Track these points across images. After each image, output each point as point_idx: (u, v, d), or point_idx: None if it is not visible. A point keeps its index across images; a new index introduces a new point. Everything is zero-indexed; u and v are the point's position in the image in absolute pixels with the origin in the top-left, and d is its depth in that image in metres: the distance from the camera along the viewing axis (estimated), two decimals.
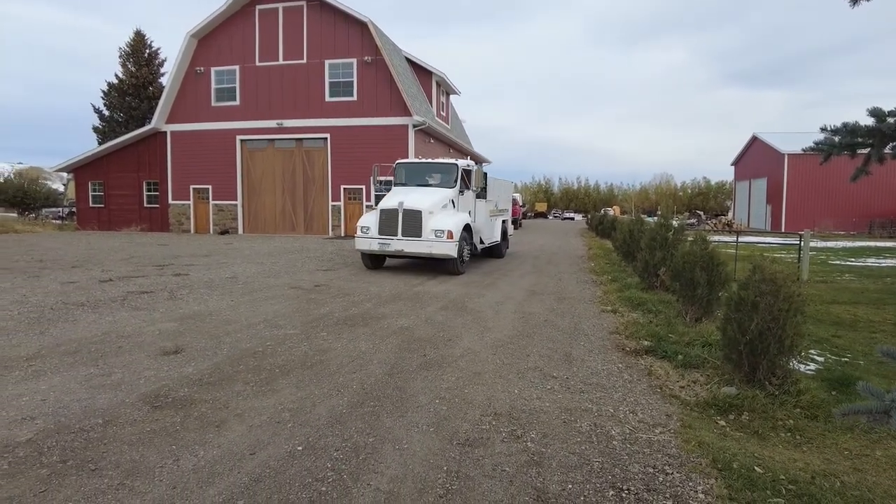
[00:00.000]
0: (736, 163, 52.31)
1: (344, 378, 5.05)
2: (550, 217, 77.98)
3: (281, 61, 24.50)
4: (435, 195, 12.32)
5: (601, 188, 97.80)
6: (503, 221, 16.25)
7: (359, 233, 12.34)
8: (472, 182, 13.13)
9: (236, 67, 25.09)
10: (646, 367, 5.59)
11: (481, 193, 13.99)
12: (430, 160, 13.76)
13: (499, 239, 15.71)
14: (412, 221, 11.72)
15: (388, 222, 11.94)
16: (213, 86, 25.45)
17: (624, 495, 3.14)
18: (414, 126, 23.05)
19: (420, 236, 11.63)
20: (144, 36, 39.82)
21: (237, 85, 25.11)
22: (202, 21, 25.26)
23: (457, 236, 11.64)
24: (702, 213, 62.51)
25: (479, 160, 39.55)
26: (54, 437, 3.72)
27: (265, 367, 5.31)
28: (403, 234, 11.72)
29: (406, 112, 22.89)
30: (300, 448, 3.63)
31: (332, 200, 24.52)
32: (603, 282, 11.49)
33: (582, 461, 3.55)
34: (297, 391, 4.68)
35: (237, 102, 25.14)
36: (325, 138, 24.10)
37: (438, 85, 28.44)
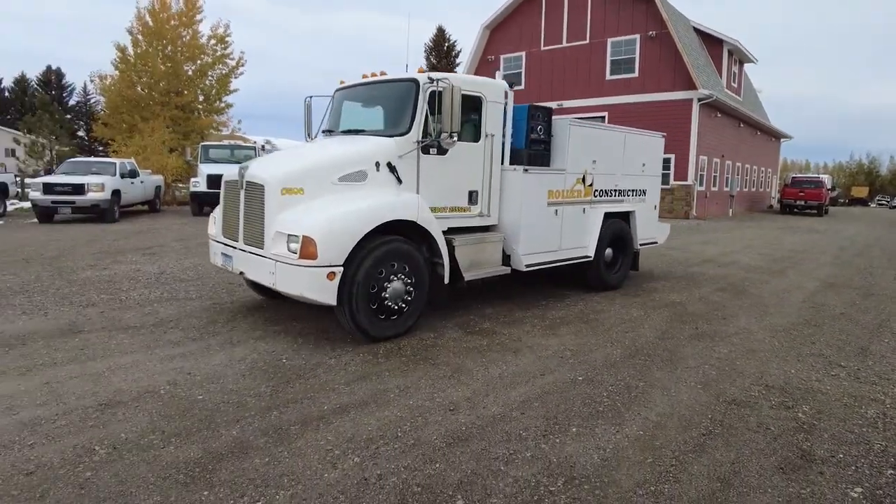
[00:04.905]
0: None
1: (616, 335, 5.68)
2: (873, 204, 63.75)
3: (564, 44, 25.44)
4: (334, 150, 5.69)
5: None
6: (608, 217, 7.60)
7: (209, 228, 6.28)
8: (440, 114, 5.45)
9: (523, 54, 26.93)
10: None
11: (535, 153, 6.74)
12: (373, 79, 6.23)
13: (591, 252, 7.32)
14: (252, 211, 5.28)
15: (228, 211, 5.74)
16: (502, 73, 27.79)
17: None
18: (699, 100, 21.67)
19: (262, 246, 5.12)
20: (444, 31, 45.15)
21: (523, 70, 26.97)
22: (494, 12, 27.69)
23: (334, 253, 4.75)
24: None
25: (777, 135, 34.75)
26: (405, 340, 5.24)
27: (548, 317, 6.28)
28: (246, 239, 5.38)
29: (690, 85, 21.64)
30: (580, 378, 4.43)
31: None
32: None
33: (860, 440, 3.55)
34: (575, 338, 5.51)
35: (522, 87, 27.01)
36: (604, 116, 24.36)
37: (731, 54, 25.93)
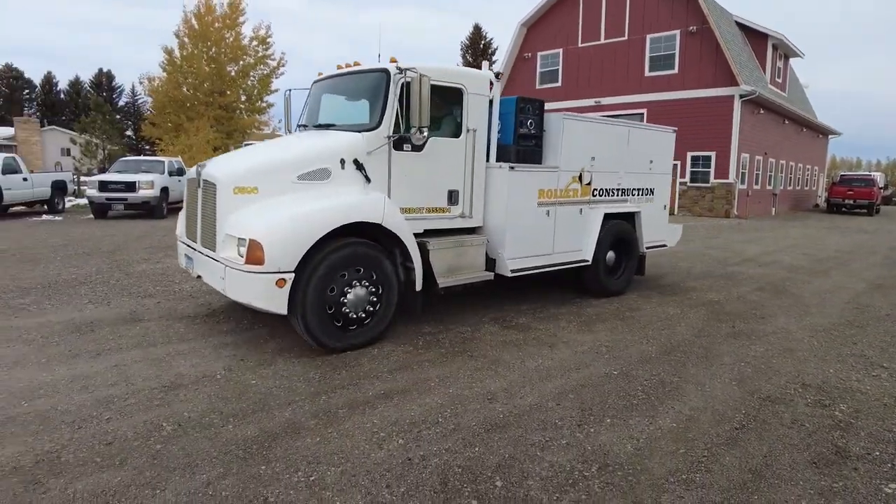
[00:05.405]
0: None
1: (652, 332, 5.75)
2: None
3: (602, 41, 25.20)
4: (296, 146, 5.44)
5: None
6: (608, 218, 7.10)
7: (177, 228, 6.02)
8: (409, 111, 5.10)
9: (560, 51, 26.79)
10: None
11: (525, 150, 6.26)
12: (345, 70, 5.91)
13: (588, 255, 6.86)
14: (207, 212, 5.01)
15: (189, 211, 5.54)
16: (538, 70, 27.72)
17: None
18: (741, 96, 21.19)
19: (214, 248, 4.86)
20: (481, 29, 45.23)
21: (560, 67, 26.83)
22: (532, 9, 27.61)
23: (283, 259, 4.41)
24: None
25: (825, 132, 33.62)
26: (443, 333, 5.43)
27: (584, 313, 6.38)
28: (202, 241, 5.13)
29: (732, 81, 21.18)
30: (615, 372, 4.54)
31: None
32: None
33: None
34: (611, 334, 5.60)
35: (559, 84, 26.90)
36: (642, 114, 24.05)
37: (775, 48, 25.21)
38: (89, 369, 4.28)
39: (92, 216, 16.24)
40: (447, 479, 2.94)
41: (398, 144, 5.21)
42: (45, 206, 17.30)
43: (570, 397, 4.01)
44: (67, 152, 40.02)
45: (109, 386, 3.98)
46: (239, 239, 4.48)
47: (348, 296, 4.79)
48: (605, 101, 25.05)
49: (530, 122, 6.26)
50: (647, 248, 7.83)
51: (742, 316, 6.54)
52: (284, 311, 4.48)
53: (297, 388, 4.02)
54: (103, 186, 15.76)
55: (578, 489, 2.88)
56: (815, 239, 15.59)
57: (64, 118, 55.97)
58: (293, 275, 4.44)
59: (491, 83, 5.87)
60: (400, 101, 5.17)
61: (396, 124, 5.17)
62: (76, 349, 4.73)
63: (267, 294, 4.40)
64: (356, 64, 5.85)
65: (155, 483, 2.81)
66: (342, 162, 5.02)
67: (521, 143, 6.21)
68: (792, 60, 28.43)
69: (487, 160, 5.94)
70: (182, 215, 5.79)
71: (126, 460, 3.01)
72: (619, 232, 7.33)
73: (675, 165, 23.12)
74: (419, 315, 5.66)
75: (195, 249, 5.25)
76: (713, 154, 21.94)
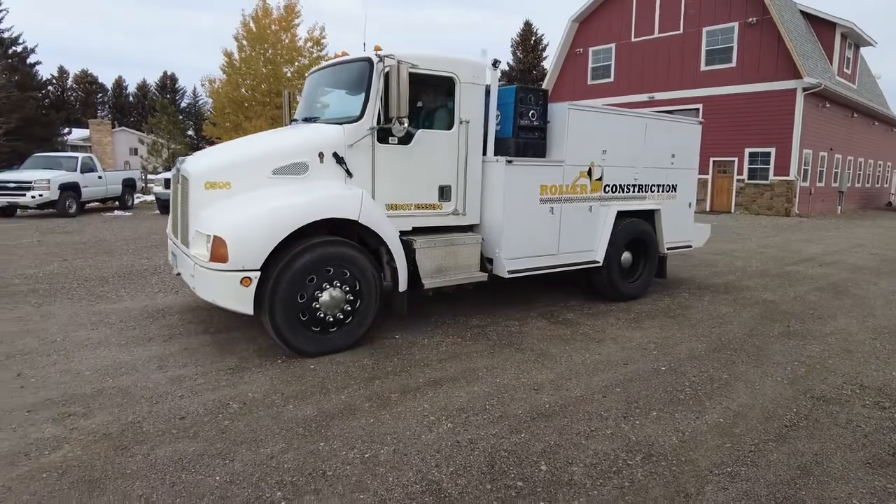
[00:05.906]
0: None
1: (703, 330, 5.69)
2: None
3: (656, 35, 24.61)
4: (273, 140, 5.29)
5: None
6: (622, 216, 6.63)
7: (168, 225, 5.96)
8: (389, 101, 4.75)
9: (612, 46, 26.32)
10: None
11: (527, 143, 5.87)
12: (333, 61, 5.77)
13: (599, 256, 6.40)
14: (184, 207, 4.91)
15: (173, 207, 5.41)
16: (590, 65, 27.34)
17: None
18: (804, 90, 20.27)
19: (188, 245, 4.73)
20: (531, 25, 44.86)
21: (612, 62, 26.37)
22: (583, 4, 27.24)
23: (248, 256, 4.25)
24: None
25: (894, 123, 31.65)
26: (491, 326, 5.55)
27: (633, 310, 6.37)
28: (181, 237, 5.03)
29: (795, 74, 20.28)
30: (663, 368, 4.55)
31: (700, 173, 23.70)
32: None
33: None
34: (660, 331, 5.59)
35: (611, 79, 26.46)
36: (697, 109, 23.36)
37: (844, 37, 23.94)
38: (163, 351, 4.64)
39: (158, 212, 17.18)
40: (494, 461, 3.07)
41: (383, 137, 4.95)
42: (117, 203, 18.40)
43: (616, 390, 4.07)
44: (135, 152, 42.31)
45: (181, 367, 4.31)
46: (207, 236, 4.33)
47: (321, 297, 4.54)
48: (659, 96, 24.49)
49: (532, 113, 5.84)
50: (669, 248, 7.28)
51: (798, 316, 6.37)
52: (250, 311, 4.32)
53: (352, 373, 4.24)
54: (168, 184, 16.66)
55: (622, 476, 2.95)
56: (885, 239, 14.81)
57: (132, 119, 59.11)
58: (259, 273, 4.27)
59: (487, 72, 5.51)
60: (385, 91, 4.84)
61: (381, 116, 4.91)
62: (150, 333, 5.12)
63: (231, 293, 4.26)
64: (344, 54, 5.62)
65: (224, 454, 3.07)
66: (321, 156, 4.79)
67: (522, 135, 5.83)
68: (863, 49, 26.96)
69: (484, 154, 5.60)
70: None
71: (198, 433, 3.29)
72: (636, 231, 6.83)
73: (732, 162, 22.44)
74: (404, 316, 5.41)
75: (177, 246, 5.15)
76: (773, 150, 21.13)
